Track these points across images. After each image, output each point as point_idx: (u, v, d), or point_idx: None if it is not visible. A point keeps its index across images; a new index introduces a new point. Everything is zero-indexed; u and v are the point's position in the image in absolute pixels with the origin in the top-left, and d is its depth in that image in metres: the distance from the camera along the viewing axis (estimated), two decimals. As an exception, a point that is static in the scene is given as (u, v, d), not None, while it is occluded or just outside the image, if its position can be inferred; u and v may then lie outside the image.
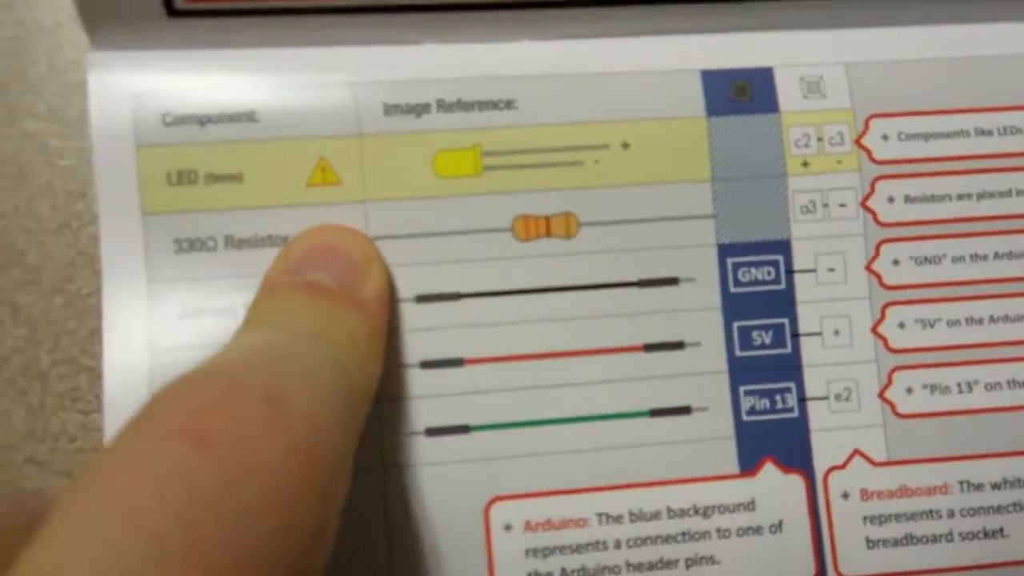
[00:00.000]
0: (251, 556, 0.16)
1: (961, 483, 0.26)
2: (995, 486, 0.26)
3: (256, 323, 0.21)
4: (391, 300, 0.25)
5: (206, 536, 0.15)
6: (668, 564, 0.24)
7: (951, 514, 0.26)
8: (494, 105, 0.26)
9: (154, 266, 0.24)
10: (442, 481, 0.25)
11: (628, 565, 0.24)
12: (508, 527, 0.24)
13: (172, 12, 0.24)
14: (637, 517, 0.25)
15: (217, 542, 0.16)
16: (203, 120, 0.25)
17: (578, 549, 0.24)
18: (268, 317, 0.21)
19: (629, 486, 0.25)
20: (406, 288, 0.25)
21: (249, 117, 0.25)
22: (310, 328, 0.20)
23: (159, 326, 0.23)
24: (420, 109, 0.25)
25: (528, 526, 0.24)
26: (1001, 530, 0.26)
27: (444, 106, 0.25)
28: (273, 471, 0.17)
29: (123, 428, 0.17)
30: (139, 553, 0.15)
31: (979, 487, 0.26)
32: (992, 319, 0.26)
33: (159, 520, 0.15)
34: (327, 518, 0.18)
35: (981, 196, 0.26)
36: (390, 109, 0.25)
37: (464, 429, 0.25)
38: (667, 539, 0.25)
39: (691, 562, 0.24)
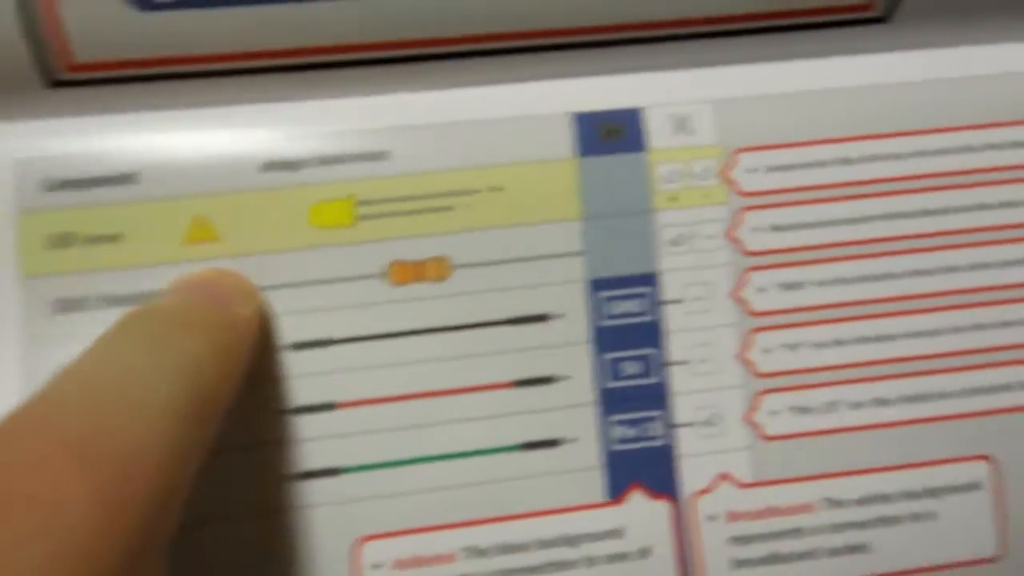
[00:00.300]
0: None
1: (826, 501, 0.27)
2: (859, 502, 0.27)
3: (109, 334, 0.21)
4: (269, 344, 0.25)
5: None
6: (535, 593, 0.25)
7: (816, 532, 0.27)
8: (368, 157, 0.27)
9: (32, 327, 0.25)
10: (312, 524, 0.26)
11: (496, 596, 0.25)
12: (377, 566, 0.25)
13: (53, 83, 0.25)
14: (505, 550, 0.26)
15: None
16: (83, 184, 0.26)
17: (446, 584, 0.25)
18: (124, 327, 0.21)
19: (497, 519, 0.26)
20: (283, 336, 0.26)
21: (129, 179, 0.26)
22: (162, 333, 0.21)
23: (35, 386, 0.24)
24: (296, 164, 0.26)
25: (397, 564, 0.26)
26: (865, 545, 0.27)
27: (320, 160, 0.26)
28: (74, 527, 0.18)
29: None
30: None
31: (843, 504, 0.27)
32: (856, 340, 0.27)
33: None
34: (141, 552, 0.19)
35: (844, 222, 0.27)
36: (267, 166, 0.26)
37: (334, 472, 0.26)
38: (534, 570, 0.26)
39: (558, 590, 0.25)
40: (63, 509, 0.17)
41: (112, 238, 0.25)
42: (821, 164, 0.27)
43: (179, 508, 0.20)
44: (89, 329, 0.24)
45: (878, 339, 0.26)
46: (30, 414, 0.19)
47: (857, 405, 0.27)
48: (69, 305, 0.25)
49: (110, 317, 0.23)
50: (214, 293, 0.24)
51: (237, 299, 0.25)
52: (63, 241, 0.25)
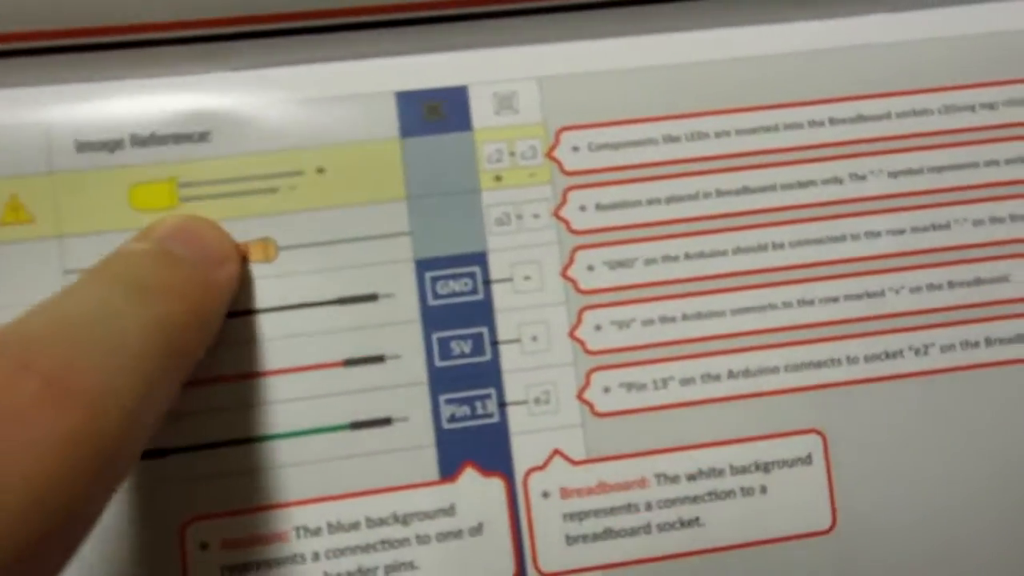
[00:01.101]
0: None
1: (657, 476, 0.27)
2: (690, 477, 0.27)
3: (88, 275, 0.21)
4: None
5: None
6: (366, 572, 0.25)
7: (648, 507, 0.27)
8: (188, 138, 0.26)
9: None
10: (137, 504, 0.25)
11: (325, 575, 0.25)
12: (204, 546, 0.25)
13: None
14: (335, 528, 0.26)
15: None
16: None
17: (275, 563, 0.25)
18: (104, 269, 0.22)
19: (328, 499, 0.26)
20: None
21: None
22: (143, 282, 0.21)
23: None
24: (113, 145, 0.26)
25: (225, 544, 0.25)
26: (697, 519, 0.27)
27: (138, 141, 0.26)
28: (42, 456, 0.18)
29: None
30: None
31: (675, 479, 0.27)
32: (685, 317, 0.27)
33: None
34: (98, 491, 0.19)
35: (670, 200, 0.27)
36: (82, 146, 0.25)
37: (161, 452, 0.25)
38: (366, 548, 0.26)
39: (390, 569, 0.25)
40: (32, 436, 0.18)
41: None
42: (645, 142, 0.27)
43: (138, 452, 0.21)
44: None
45: (707, 315, 0.27)
46: (6, 339, 0.19)
47: (687, 381, 0.27)
48: None
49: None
50: (208, 248, 0.25)
51: (227, 257, 0.25)
52: None
